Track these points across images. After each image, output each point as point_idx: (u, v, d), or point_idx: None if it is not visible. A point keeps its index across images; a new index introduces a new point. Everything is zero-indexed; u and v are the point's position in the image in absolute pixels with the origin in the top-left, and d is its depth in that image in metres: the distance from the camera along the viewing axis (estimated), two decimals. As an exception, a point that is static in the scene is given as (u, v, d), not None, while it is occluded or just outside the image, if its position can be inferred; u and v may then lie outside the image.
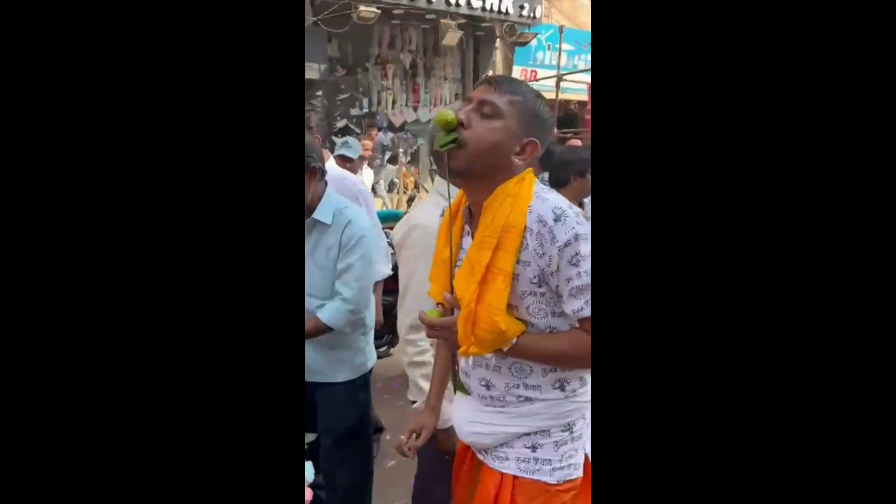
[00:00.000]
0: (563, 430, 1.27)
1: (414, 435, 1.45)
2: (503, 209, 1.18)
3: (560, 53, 8.22)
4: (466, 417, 1.34)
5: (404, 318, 1.75)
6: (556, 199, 1.18)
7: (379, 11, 6.49)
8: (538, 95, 1.26)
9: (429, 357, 1.73)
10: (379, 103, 8.02)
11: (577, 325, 1.20)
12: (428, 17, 7.47)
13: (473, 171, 1.20)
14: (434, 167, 1.99)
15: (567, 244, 1.12)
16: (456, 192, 1.86)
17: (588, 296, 1.14)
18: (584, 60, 9.24)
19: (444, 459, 1.68)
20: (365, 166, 5.02)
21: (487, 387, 1.29)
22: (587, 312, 1.15)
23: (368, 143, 4.97)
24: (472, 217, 1.30)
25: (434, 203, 1.89)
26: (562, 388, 1.25)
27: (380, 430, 3.12)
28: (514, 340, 1.19)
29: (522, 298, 1.19)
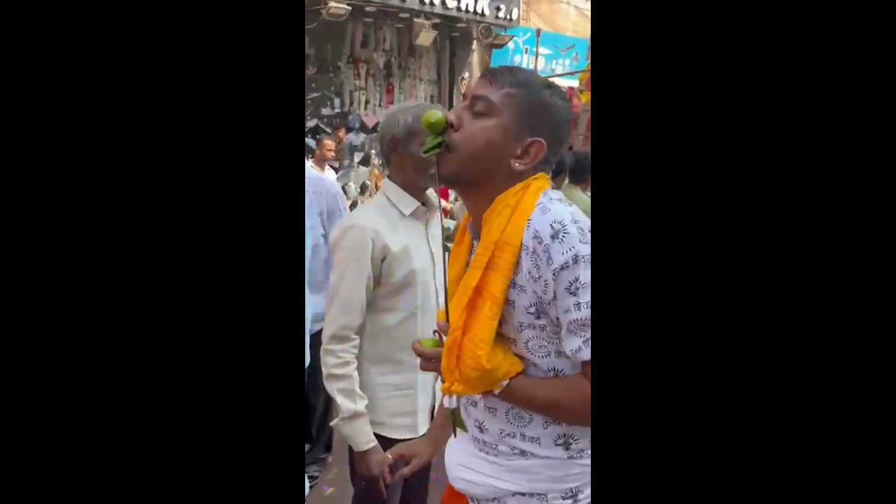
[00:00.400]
0: (564, 497, 1.05)
1: (403, 461, 1.29)
2: (499, 223, 1.01)
3: (537, 57, 8.11)
4: (456, 459, 1.16)
5: (329, 325, 1.61)
6: (560, 211, 0.98)
7: (349, 8, 6.31)
8: (547, 85, 1.08)
9: (350, 370, 1.60)
10: (351, 103, 7.83)
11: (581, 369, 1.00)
12: (401, 15, 7.31)
13: (466, 179, 1.05)
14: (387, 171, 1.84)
15: (564, 267, 0.94)
16: (406, 199, 1.75)
17: (590, 333, 0.95)
18: (562, 65, 9.15)
19: (379, 488, 1.56)
20: (327, 167, 4.82)
21: (480, 429, 1.10)
22: (588, 354, 0.96)
23: (331, 144, 4.77)
24: (477, 232, 1.12)
25: (377, 206, 1.75)
26: (565, 446, 1.04)
27: (328, 448, 2.94)
28: (506, 382, 1.01)
29: (520, 331, 1.02)
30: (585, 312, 0.94)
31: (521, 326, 1.01)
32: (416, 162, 1.67)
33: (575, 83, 7.82)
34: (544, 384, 1.02)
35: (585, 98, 7.04)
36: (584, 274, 0.94)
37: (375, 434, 1.64)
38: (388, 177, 1.79)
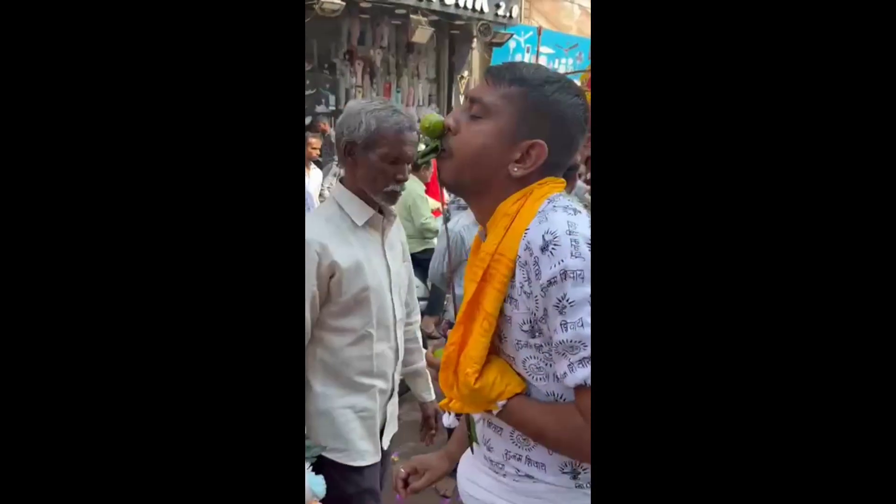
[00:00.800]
0: None
1: (417, 474, 1.22)
2: (496, 233, 0.96)
3: (538, 56, 7.92)
4: (465, 472, 1.11)
5: None
6: (557, 221, 0.90)
7: (343, 3, 6.16)
8: (554, 81, 0.98)
9: None
10: (347, 100, 7.68)
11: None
12: (398, 12, 7.15)
13: (465, 186, 1.01)
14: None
15: (552, 282, 0.87)
16: (359, 207, 1.57)
17: (578, 356, 0.87)
18: (565, 64, 8.96)
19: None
20: (313, 166, 4.65)
21: (488, 447, 1.05)
22: (574, 380, 0.88)
23: (316, 142, 4.60)
24: None
25: (326, 215, 1.58)
26: (573, 475, 0.97)
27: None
28: (503, 403, 0.95)
29: (518, 349, 0.96)
30: (572, 333, 0.87)
31: (518, 344, 0.95)
32: (375, 172, 1.52)
33: (577, 83, 7.64)
34: (538, 409, 0.96)
35: (587, 98, 6.88)
36: (574, 291, 0.86)
37: (335, 462, 1.51)
38: (341, 180, 1.63)
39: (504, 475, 1.01)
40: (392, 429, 1.73)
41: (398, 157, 1.52)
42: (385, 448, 1.69)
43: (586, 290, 0.86)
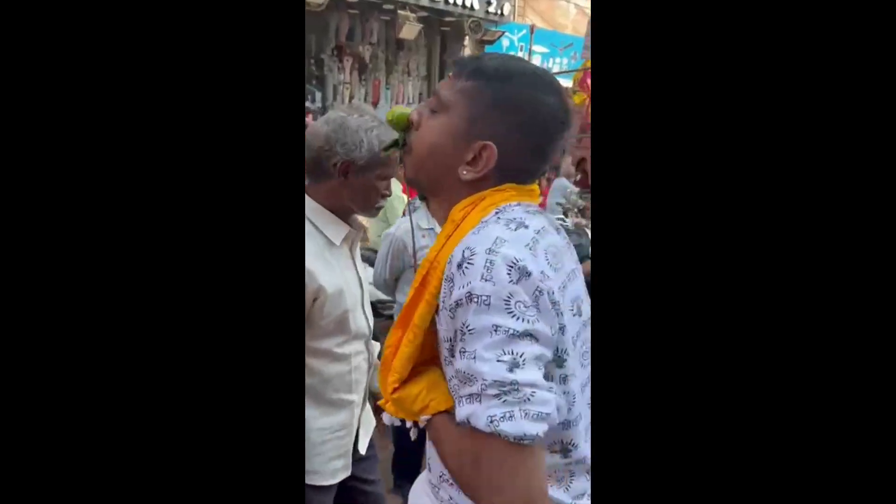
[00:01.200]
0: None
1: None
2: (438, 240, 0.88)
3: (530, 55, 7.79)
4: (412, 494, 1.02)
5: None
6: (485, 235, 0.81)
7: (328, -2, 6.03)
8: (522, 75, 0.87)
9: None
10: (335, 97, 7.54)
11: None
12: (385, 7, 7.01)
13: (421, 185, 0.94)
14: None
15: (458, 304, 0.78)
16: (336, 225, 1.48)
17: (467, 391, 0.78)
18: (559, 64, 8.85)
19: None
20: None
21: (429, 468, 0.97)
22: (458, 414, 0.79)
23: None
24: None
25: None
26: None
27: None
28: (426, 418, 0.86)
29: (445, 365, 0.87)
30: (465, 364, 0.77)
31: (445, 360, 0.86)
32: (369, 191, 1.47)
33: (569, 83, 7.50)
34: (455, 432, 0.84)
35: (578, 99, 6.73)
36: (475, 319, 0.76)
37: (309, 485, 1.46)
38: (307, 191, 1.51)
39: (440, 501, 0.92)
40: (368, 430, 1.70)
41: (390, 173, 1.51)
42: (364, 453, 1.66)
43: (492, 319, 0.75)
